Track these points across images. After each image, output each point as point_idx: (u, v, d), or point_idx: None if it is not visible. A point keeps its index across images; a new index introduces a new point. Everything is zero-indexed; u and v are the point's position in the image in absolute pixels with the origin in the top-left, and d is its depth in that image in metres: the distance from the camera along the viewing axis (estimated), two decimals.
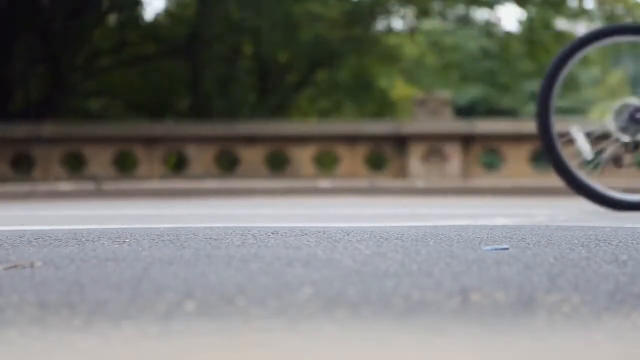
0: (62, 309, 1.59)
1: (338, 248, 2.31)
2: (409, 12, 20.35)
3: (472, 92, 28.75)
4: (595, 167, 5.49)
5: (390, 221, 4.28)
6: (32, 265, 2.06)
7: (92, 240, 2.55)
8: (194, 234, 2.68)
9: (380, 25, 20.24)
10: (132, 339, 1.43)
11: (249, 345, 1.38)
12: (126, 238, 2.58)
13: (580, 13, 20.23)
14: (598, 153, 5.58)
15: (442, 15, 20.93)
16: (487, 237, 2.61)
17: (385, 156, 12.91)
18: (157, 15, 20.92)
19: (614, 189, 5.45)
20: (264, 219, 4.87)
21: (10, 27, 16.36)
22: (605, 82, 41.01)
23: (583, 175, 5.39)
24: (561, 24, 20.87)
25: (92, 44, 18.78)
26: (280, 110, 19.22)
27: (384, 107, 22.15)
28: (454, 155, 12.49)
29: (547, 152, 5.58)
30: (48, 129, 12.84)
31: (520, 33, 20.83)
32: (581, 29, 22.68)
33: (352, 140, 12.71)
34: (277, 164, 13.06)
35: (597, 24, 21.37)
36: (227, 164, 13.16)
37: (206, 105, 18.49)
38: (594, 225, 3.53)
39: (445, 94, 13.30)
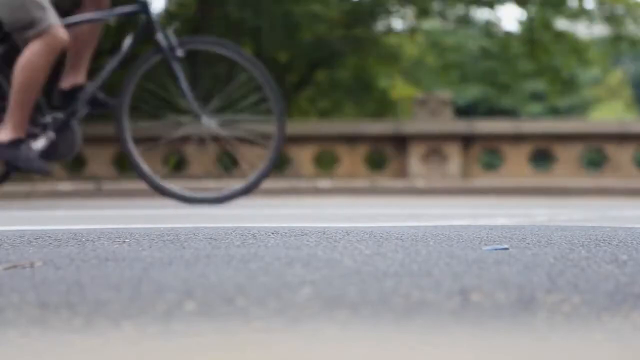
0: (62, 309, 1.59)
1: (338, 248, 2.31)
2: (409, 12, 20.35)
3: (472, 92, 28.75)
4: None
5: (390, 221, 4.28)
6: (32, 265, 2.06)
7: (92, 240, 2.55)
8: (194, 234, 2.68)
9: (380, 25, 20.23)
10: (132, 339, 1.43)
11: (249, 345, 1.38)
12: (126, 238, 2.58)
13: (580, 13, 20.22)
14: None
15: (442, 15, 20.92)
16: (487, 237, 2.61)
17: (385, 156, 12.91)
18: (157, 15, 20.90)
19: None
20: (264, 219, 4.88)
21: None
22: (605, 82, 41.00)
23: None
24: (561, 24, 20.87)
25: None
26: None
27: (384, 107, 22.15)
28: (454, 155, 12.48)
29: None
30: None
31: (520, 33, 20.82)
32: (581, 28, 22.68)
33: (352, 140, 12.71)
34: (277, 164, 13.04)
35: (597, 24, 21.38)
36: (227, 164, 13.16)
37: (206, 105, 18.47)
38: (594, 225, 3.53)
39: (445, 94, 13.30)
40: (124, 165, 13.08)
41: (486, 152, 12.94)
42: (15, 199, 10.24)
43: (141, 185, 7.18)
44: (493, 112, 27.90)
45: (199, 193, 6.81)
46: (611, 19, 20.06)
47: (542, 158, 13.24)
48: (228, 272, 1.88)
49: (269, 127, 6.53)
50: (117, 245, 2.43)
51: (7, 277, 1.88)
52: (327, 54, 18.87)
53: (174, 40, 6.47)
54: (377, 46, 19.77)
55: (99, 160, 12.58)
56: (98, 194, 10.98)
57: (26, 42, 5.80)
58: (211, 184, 11.40)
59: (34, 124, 6.09)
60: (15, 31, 5.80)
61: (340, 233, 2.70)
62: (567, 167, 12.37)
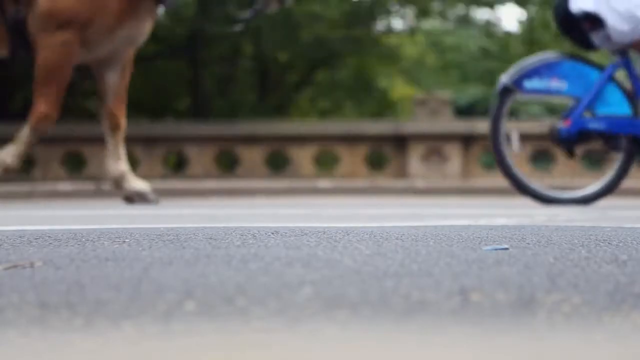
0: (62, 309, 1.59)
1: (338, 248, 2.31)
2: (409, 12, 20.35)
3: (472, 92, 28.73)
4: None
5: (390, 221, 4.28)
6: (32, 265, 2.06)
7: (92, 240, 2.55)
8: (194, 234, 2.68)
9: (380, 25, 20.23)
10: (132, 339, 1.43)
11: (249, 345, 1.38)
12: (126, 238, 2.58)
13: None
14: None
15: (442, 15, 20.92)
16: (487, 237, 2.61)
17: (385, 156, 12.91)
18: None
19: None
20: (264, 219, 4.88)
21: None
22: None
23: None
24: None
25: None
26: (280, 110, 19.20)
27: (384, 107, 22.14)
28: (454, 155, 12.49)
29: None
30: None
31: (520, 33, 20.83)
32: None
33: (352, 140, 12.71)
34: (277, 164, 13.06)
35: None
36: (227, 164, 13.16)
37: (206, 105, 18.48)
38: (594, 225, 3.53)
39: (445, 94, 13.30)
40: None
41: (486, 152, 12.94)
42: (15, 199, 10.24)
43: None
44: None
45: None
46: None
47: (542, 158, 13.24)
48: (228, 272, 1.88)
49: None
50: (117, 245, 2.43)
51: (7, 277, 1.88)
52: (327, 54, 18.86)
53: None
54: (377, 46, 19.76)
55: (99, 160, 12.58)
56: (98, 194, 10.98)
57: None
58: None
59: None
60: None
61: (340, 233, 2.70)
62: (566, 167, 12.36)
